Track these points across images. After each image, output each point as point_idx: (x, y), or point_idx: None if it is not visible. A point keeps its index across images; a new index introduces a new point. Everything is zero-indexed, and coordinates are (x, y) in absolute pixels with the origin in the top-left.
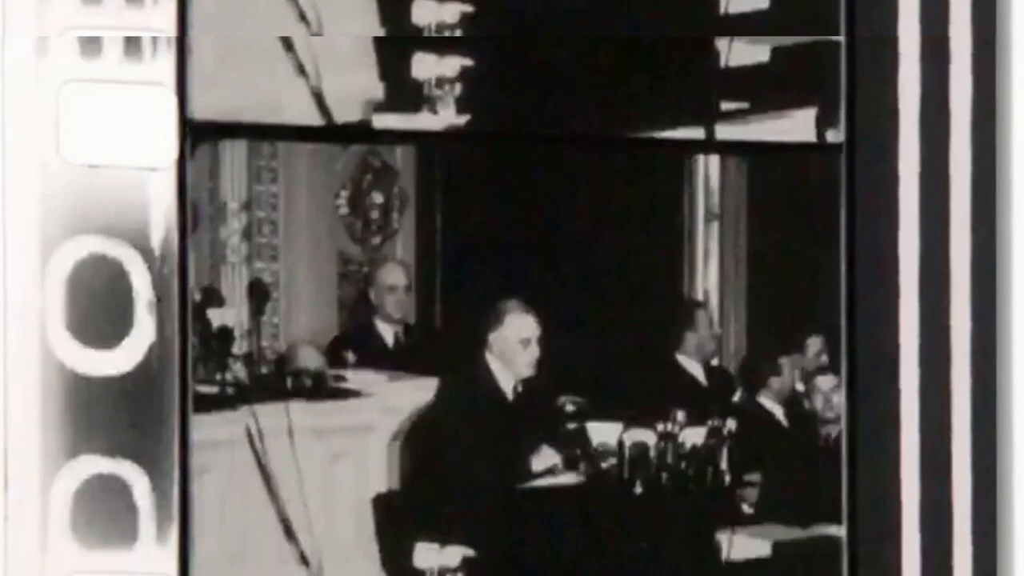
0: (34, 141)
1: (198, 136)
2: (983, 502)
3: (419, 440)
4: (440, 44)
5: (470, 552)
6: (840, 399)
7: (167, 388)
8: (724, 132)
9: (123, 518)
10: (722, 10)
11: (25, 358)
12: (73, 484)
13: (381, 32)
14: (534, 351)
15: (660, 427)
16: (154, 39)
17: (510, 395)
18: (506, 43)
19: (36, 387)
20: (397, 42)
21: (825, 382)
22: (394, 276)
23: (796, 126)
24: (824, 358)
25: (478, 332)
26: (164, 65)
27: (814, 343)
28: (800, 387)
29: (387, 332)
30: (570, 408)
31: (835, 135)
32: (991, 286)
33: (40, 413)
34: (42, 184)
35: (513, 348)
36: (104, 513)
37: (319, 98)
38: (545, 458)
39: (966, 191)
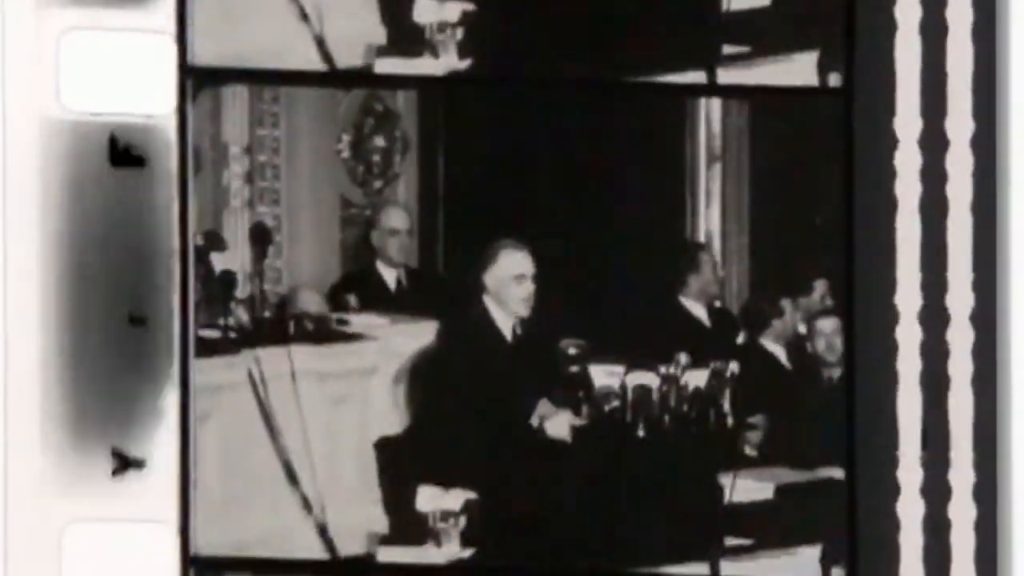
0: (34, 89)
1: (199, 82)
2: (982, 436)
3: (420, 383)
4: None
5: (472, 495)
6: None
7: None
8: (726, 76)
9: None
10: None
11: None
12: None
13: None
14: (528, 287)
15: (663, 370)
16: None
17: (509, 337)
18: None
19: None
20: None
21: (827, 324)
22: (396, 219)
23: (798, 70)
24: (829, 301)
25: (474, 273)
26: (165, 12)
27: (820, 286)
28: (802, 329)
29: (389, 275)
30: (572, 351)
31: (837, 79)
32: (991, 226)
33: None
34: (42, 132)
35: (507, 285)
36: None
37: (321, 43)
38: (543, 410)
39: (966, 137)
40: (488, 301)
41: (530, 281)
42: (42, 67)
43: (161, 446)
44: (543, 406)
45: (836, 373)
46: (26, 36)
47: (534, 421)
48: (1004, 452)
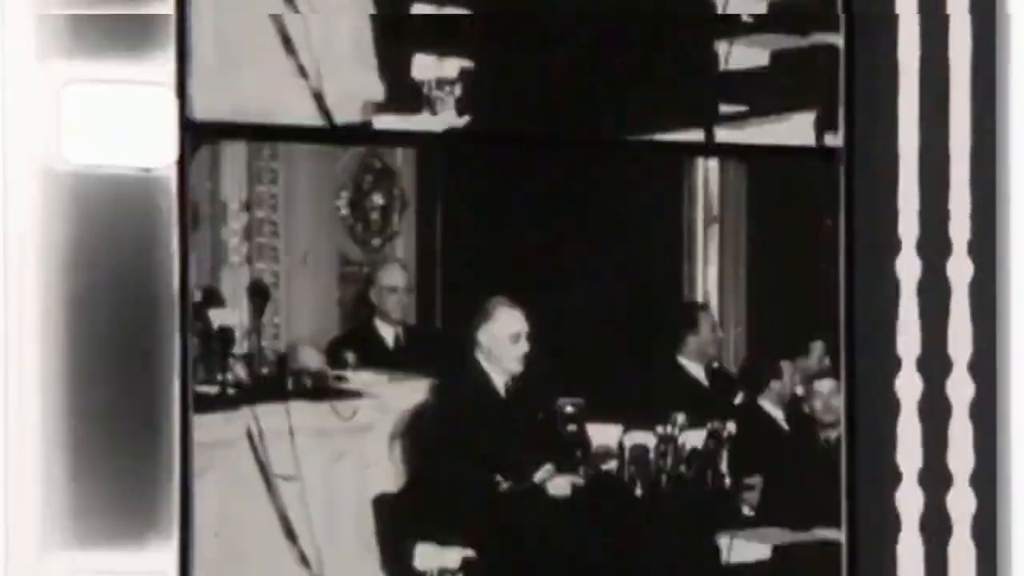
0: (35, 141)
1: (198, 137)
2: (984, 507)
3: (416, 440)
4: (440, 46)
5: (470, 553)
6: (839, 403)
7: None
8: (724, 135)
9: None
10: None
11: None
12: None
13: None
14: (523, 347)
15: (660, 429)
16: (155, 40)
17: (503, 393)
18: (506, 45)
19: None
20: (396, 44)
21: (824, 385)
22: (395, 277)
23: (795, 129)
24: (827, 362)
25: (468, 330)
26: (165, 65)
27: (816, 347)
28: (800, 391)
29: (387, 332)
30: (569, 409)
31: (834, 139)
32: (990, 290)
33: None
34: (43, 184)
35: (502, 344)
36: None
37: (319, 99)
38: (544, 473)
39: (965, 193)
40: (480, 358)
41: (524, 340)
42: (43, 119)
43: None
44: (545, 466)
45: (833, 435)
46: (27, 88)
47: (535, 480)
48: (1004, 535)
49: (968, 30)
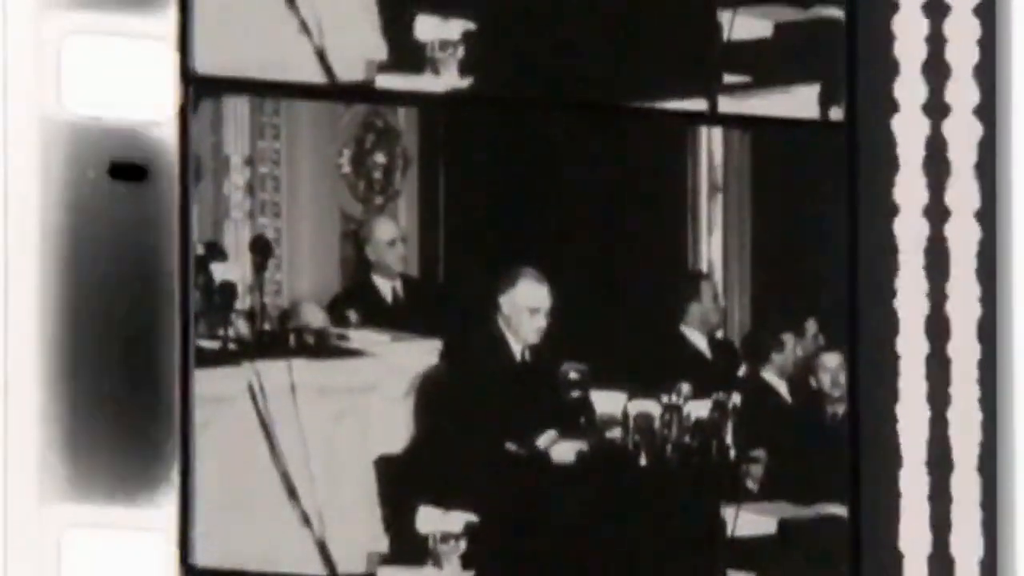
0: (36, 92)
1: (200, 90)
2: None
3: (424, 403)
4: (443, 7)
5: (473, 518)
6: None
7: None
8: (726, 105)
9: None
10: None
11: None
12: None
13: None
14: (541, 321)
15: (664, 399)
16: None
17: (518, 359)
18: (509, 8)
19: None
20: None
21: (831, 360)
22: (389, 230)
23: (799, 102)
24: (821, 340)
25: (488, 294)
26: (167, 18)
27: (811, 326)
28: (804, 364)
29: (385, 287)
30: (574, 376)
31: (837, 112)
32: (993, 262)
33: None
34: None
35: (521, 314)
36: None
37: (322, 56)
38: (549, 434)
39: (969, 170)
40: (501, 323)
41: (543, 315)
42: (44, 70)
43: (161, 456)
44: (548, 431)
45: (840, 409)
46: (28, 39)
47: (539, 445)
48: (1007, 486)
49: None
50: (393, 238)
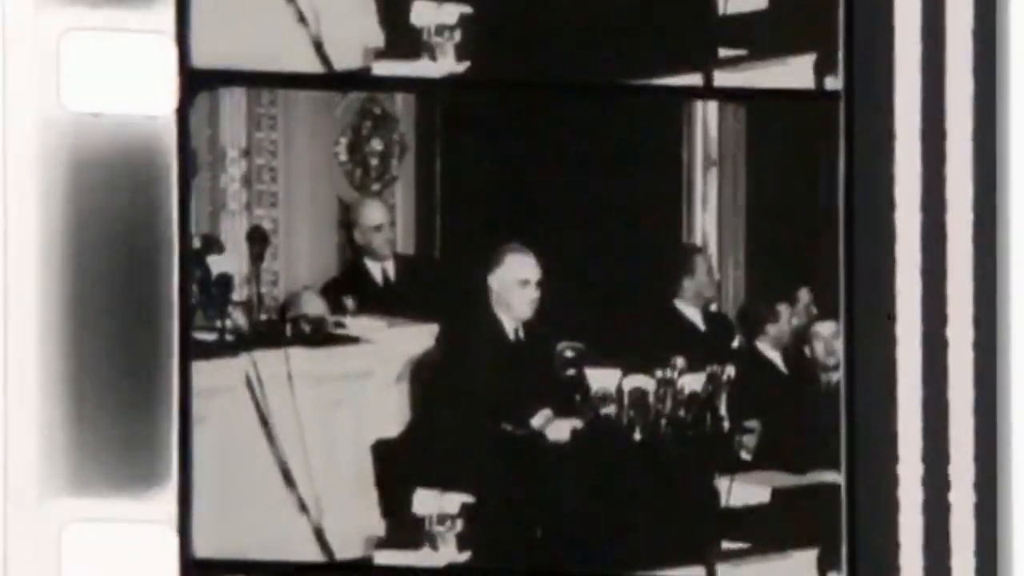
0: (34, 89)
1: (197, 84)
2: (983, 453)
3: (419, 386)
4: None
5: (469, 498)
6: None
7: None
8: (722, 79)
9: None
10: None
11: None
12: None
13: None
14: (532, 293)
15: (659, 373)
16: None
17: (511, 339)
18: None
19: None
20: None
21: (826, 328)
22: (376, 214)
23: (795, 72)
24: (814, 309)
25: (478, 276)
26: (164, 12)
27: (804, 295)
28: (799, 333)
29: (375, 268)
30: (569, 354)
31: (834, 82)
32: (991, 233)
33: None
34: (42, 132)
35: (511, 289)
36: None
37: (319, 46)
38: (544, 414)
39: (967, 140)
40: (493, 304)
41: (534, 287)
42: (42, 67)
43: (160, 447)
44: (543, 411)
45: (834, 378)
46: (26, 36)
47: (534, 424)
48: (1004, 456)
49: None
50: (380, 223)
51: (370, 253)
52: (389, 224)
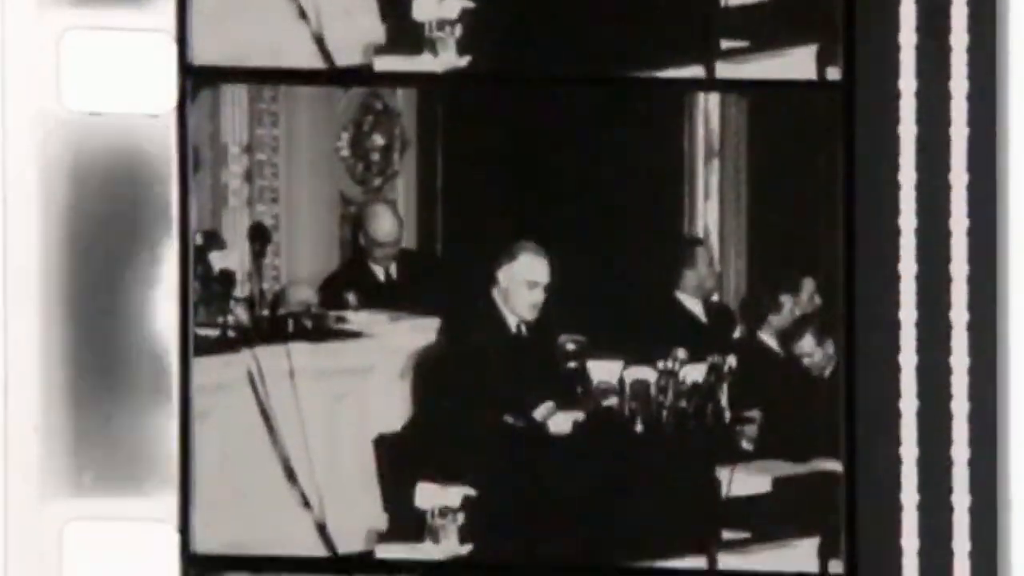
0: (34, 88)
1: (199, 81)
2: (982, 437)
3: (421, 380)
4: None
5: (470, 491)
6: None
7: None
8: (724, 71)
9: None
10: None
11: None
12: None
13: None
14: (538, 296)
15: (660, 364)
16: None
17: (513, 332)
18: None
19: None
20: None
21: (827, 316)
22: (384, 227)
23: (796, 63)
24: (818, 299)
25: (486, 267)
26: (165, 11)
27: (808, 285)
28: (801, 323)
29: (377, 269)
30: (571, 347)
31: (835, 73)
32: (991, 225)
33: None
34: (42, 131)
35: (519, 287)
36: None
37: (320, 41)
38: (546, 406)
39: (968, 129)
40: (497, 297)
41: (542, 289)
42: (42, 66)
43: (160, 443)
44: (545, 403)
45: (835, 367)
46: (26, 35)
47: (536, 417)
48: (1003, 440)
49: None
50: (387, 240)
51: (373, 257)
52: (395, 243)
